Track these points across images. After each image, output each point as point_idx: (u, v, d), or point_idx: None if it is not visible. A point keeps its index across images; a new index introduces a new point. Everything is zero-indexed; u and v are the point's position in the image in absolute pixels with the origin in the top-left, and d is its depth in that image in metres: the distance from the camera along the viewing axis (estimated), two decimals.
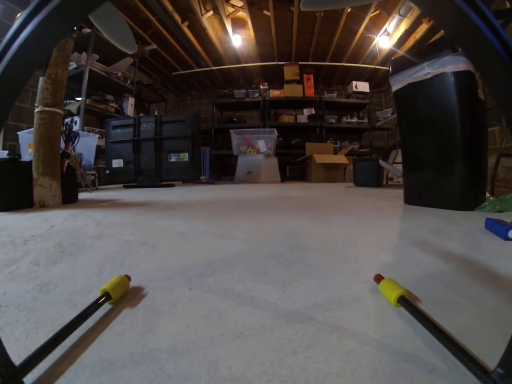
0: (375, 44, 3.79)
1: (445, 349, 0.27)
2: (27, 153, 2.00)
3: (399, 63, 1.34)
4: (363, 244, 0.67)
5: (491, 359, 0.25)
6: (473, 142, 1.13)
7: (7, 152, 2.06)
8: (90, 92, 2.97)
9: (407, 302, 0.34)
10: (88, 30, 2.71)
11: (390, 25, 3.33)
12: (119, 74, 3.27)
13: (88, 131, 2.69)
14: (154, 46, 3.74)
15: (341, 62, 4.42)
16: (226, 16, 3.26)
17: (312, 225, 0.88)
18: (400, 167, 1.47)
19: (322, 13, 3.19)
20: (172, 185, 2.76)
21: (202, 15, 3.18)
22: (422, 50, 1.27)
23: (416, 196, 1.30)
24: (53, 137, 1.25)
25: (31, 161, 1.22)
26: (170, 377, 0.24)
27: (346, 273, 0.48)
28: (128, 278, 0.41)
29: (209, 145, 4.70)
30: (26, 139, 2.07)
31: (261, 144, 3.65)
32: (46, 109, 1.21)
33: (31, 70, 0.18)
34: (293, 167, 4.48)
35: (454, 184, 1.14)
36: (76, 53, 2.64)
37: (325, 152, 3.91)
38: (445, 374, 0.25)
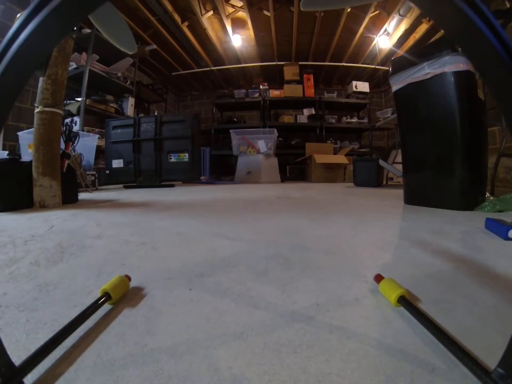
0: (375, 43, 3.79)
1: (445, 349, 0.27)
2: (27, 153, 1.99)
3: (399, 63, 1.34)
4: (363, 244, 0.67)
5: (491, 359, 0.25)
6: (473, 142, 1.13)
7: (7, 152, 2.06)
8: (90, 92, 2.97)
9: (407, 302, 0.34)
10: (88, 30, 2.71)
11: (390, 25, 3.33)
12: (119, 74, 3.27)
13: (88, 131, 2.69)
14: (154, 46, 3.74)
15: (341, 62, 4.42)
16: (226, 16, 3.26)
17: (312, 225, 0.88)
18: (400, 167, 1.47)
19: (322, 13, 3.19)
20: (172, 186, 2.76)
21: (202, 15, 3.18)
22: (422, 50, 1.27)
23: (416, 196, 1.30)
24: (53, 137, 1.25)
25: (31, 162, 1.22)
26: (171, 378, 0.24)
27: (346, 273, 0.48)
28: (128, 278, 0.41)
29: (209, 145, 4.70)
30: (26, 139, 2.07)
31: (261, 144, 3.65)
32: (46, 109, 1.21)
33: (31, 70, 0.18)
34: (293, 167, 4.48)
35: (454, 184, 1.14)
36: (76, 53, 2.64)
37: (325, 152, 3.91)
38: (445, 374, 0.25)
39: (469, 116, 1.12)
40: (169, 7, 3.02)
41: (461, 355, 0.25)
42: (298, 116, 4.73)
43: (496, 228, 0.71)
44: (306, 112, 4.70)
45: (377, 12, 3.16)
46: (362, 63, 4.44)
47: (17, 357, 0.26)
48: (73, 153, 1.59)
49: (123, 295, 0.39)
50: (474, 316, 0.34)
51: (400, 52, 3.74)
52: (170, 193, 2.00)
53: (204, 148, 4.56)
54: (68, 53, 1.29)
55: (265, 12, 3.21)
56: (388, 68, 1.44)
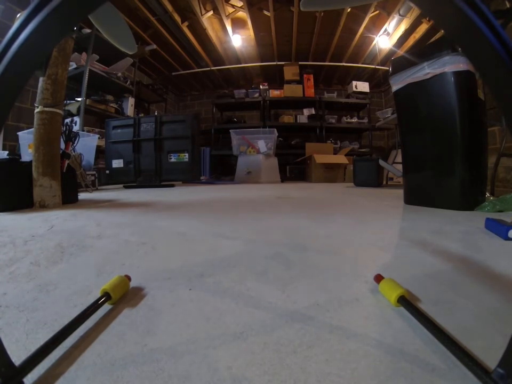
0: (375, 43, 3.79)
1: (445, 349, 0.27)
2: (27, 153, 1.99)
3: (399, 63, 1.34)
4: (363, 244, 0.67)
5: (491, 359, 0.25)
6: (473, 142, 1.13)
7: (7, 152, 2.06)
8: (90, 92, 2.97)
9: (407, 302, 0.34)
10: (88, 30, 2.71)
11: (390, 25, 3.33)
12: (119, 74, 3.27)
13: (88, 131, 2.69)
14: (154, 46, 3.74)
15: (341, 62, 4.42)
16: (226, 16, 3.26)
17: (313, 225, 0.88)
18: (400, 167, 1.47)
19: (322, 13, 3.19)
20: (172, 186, 2.76)
21: (202, 15, 3.18)
22: (422, 50, 1.27)
23: (416, 196, 1.30)
24: (53, 137, 1.25)
25: (31, 162, 1.22)
26: (171, 378, 0.24)
27: (346, 273, 0.48)
28: (128, 278, 0.41)
29: (209, 145, 4.70)
30: (26, 139, 2.07)
31: (261, 144, 3.65)
32: (46, 109, 1.21)
33: (31, 70, 0.18)
34: (293, 167, 4.48)
35: (454, 184, 1.14)
36: (76, 53, 2.64)
37: (325, 152, 3.91)
38: (445, 374, 0.25)
39: (469, 116, 1.12)
40: (169, 7, 3.02)
41: (461, 355, 0.25)
42: (298, 116, 4.73)
43: (496, 228, 0.71)
44: (306, 112, 4.70)
45: (377, 12, 3.16)
46: (362, 63, 4.44)
47: (17, 357, 0.26)
48: (73, 153, 1.59)
49: (123, 295, 0.39)
50: (474, 315, 0.34)
51: (400, 52, 3.74)
52: (170, 193, 2.00)
53: (204, 148, 4.56)
54: (68, 53, 1.29)
55: (265, 12, 3.21)
56: (388, 68, 1.44)
